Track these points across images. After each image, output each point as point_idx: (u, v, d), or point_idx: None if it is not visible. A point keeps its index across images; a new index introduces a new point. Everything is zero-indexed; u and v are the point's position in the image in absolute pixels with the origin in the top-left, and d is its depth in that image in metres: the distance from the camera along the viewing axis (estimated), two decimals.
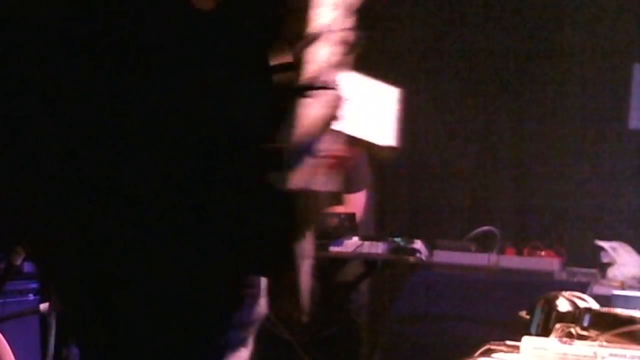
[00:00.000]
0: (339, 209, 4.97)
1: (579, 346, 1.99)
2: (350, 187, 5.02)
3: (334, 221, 4.80)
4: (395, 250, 4.73)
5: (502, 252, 4.69)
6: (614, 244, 4.62)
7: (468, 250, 4.73)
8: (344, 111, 1.33)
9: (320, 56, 1.30)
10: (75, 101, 1.60)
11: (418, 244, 4.74)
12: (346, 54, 1.36)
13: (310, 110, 1.28)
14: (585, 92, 5.75)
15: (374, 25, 5.99)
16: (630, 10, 5.66)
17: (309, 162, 1.27)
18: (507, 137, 5.97)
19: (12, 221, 1.70)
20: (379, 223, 5.66)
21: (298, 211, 1.30)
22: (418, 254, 4.71)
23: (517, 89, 5.94)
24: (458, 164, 6.03)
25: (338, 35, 1.34)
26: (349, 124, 1.36)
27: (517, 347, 2.04)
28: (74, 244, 1.64)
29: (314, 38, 1.29)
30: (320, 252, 4.70)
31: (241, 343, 1.66)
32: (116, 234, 1.61)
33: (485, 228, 4.77)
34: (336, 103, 1.31)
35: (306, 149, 1.27)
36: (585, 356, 1.93)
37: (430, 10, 6.10)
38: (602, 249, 4.61)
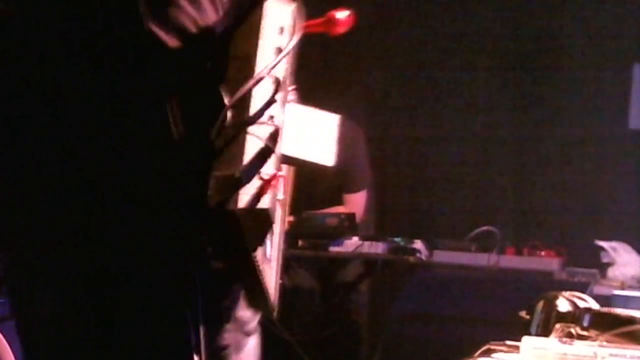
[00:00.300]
0: (339, 209, 4.98)
1: (579, 346, 1.99)
2: (350, 187, 5.02)
3: (334, 221, 4.81)
4: (395, 250, 4.73)
5: (502, 252, 4.69)
6: (614, 244, 4.62)
7: (468, 250, 4.73)
8: (287, 138, 1.58)
9: (262, 95, 1.54)
10: (75, 101, 1.60)
11: (418, 244, 4.74)
12: (287, 91, 1.59)
13: (253, 141, 1.52)
14: (585, 92, 5.75)
15: (374, 25, 6.00)
16: (630, 10, 5.66)
17: (254, 184, 1.50)
18: (507, 137, 5.97)
19: (12, 221, 1.70)
20: (379, 223, 5.66)
21: (247, 226, 1.51)
22: (418, 254, 4.71)
23: (517, 88, 5.94)
24: (458, 164, 6.03)
25: (280, 76, 1.56)
26: (293, 148, 1.63)
27: (517, 347, 2.04)
28: (73, 243, 1.64)
29: (256, 81, 1.52)
30: (320, 252, 4.71)
31: (239, 342, 1.67)
32: (115, 233, 1.61)
33: (485, 228, 4.77)
34: (276, 134, 1.54)
35: (251, 174, 1.51)
36: (585, 356, 1.93)
37: (430, 10, 6.10)
38: (602, 249, 4.61)
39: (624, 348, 1.97)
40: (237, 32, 1.56)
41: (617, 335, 2.07)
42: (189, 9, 1.57)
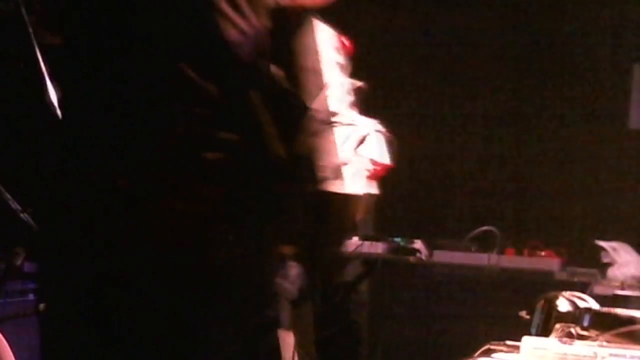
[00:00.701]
0: None
1: (579, 346, 1.99)
2: None
3: None
4: (395, 250, 4.73)
5: (502, 252, 4.69)
6: (614, 244, 4.62)
7: (468, 250, 4.73)
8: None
9: (333, 101, 1.74)
10: (76, 101, 1.60)
11: (418, 244, 4.74)
12: (352, 99, 1.85)
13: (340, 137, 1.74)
14: (585, 92, 5.75)
15: (374, 28, 6.00)
16: (630, 10, 5.66)
17: (351, 174, 1.74)
18: (507, 137, 5.97)
19: (13, 221, 1.70)
20: (379, 223, 5.66)
21: (351, 209, 1.76)
22: (418, 254, 4.71)
23: (517, 88, 5.94)
24: (458, 164, 6.03)
25: (344, 86, 1.81)
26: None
27: (517, 347, 2.04)
28: (75, 244, 1.64)
29: (326, 88, 1.72)
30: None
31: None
32: (118, 235, 1.61)
33: (485, 228, 4.77)
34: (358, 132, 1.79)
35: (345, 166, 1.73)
36: (585, 356, 1.92)
37: (430, 11, 6.10)
38: (602, 249, 4.61)
39: (624, 348, 1.97)
40: (296, 44, 1.73)
41: (617, 335, 2.06)
42: (232, 14, 1.62)
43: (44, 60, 1.63)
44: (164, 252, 1.62)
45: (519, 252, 4.71)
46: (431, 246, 4.80)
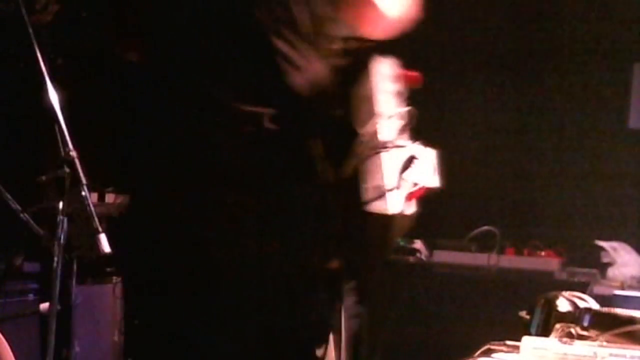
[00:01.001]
0: None
1: (579, 346, 1.99)
2: None
3: None
4: (395, 250, 4.72)
5: (502, 252, 4.69)
6: (614, 244, 4.63)
7: (468, 250, 4.73)
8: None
9: (384, 128, 1.91)
10: (86, 102, 1.60)
11: (418, 244, 4.74)
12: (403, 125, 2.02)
13: (388, 161, 1.89)
14: (585, 92, 5.75)
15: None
16: (630, 10, 5.66)
17: (395, 194, 1.88)
18: (507, 137, 5.97)
19: (13, 221, 1.70)
20: None
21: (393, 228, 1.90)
22: (418, 254, 4.71)
23: (517, 88, 5.94)
24: (458, 164, 6.02)
25: (397, 113, 1.99)
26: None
27: (517, 347, 2.04)
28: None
29: (379, 115, 1.89)
30: None
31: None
32: (135, 236, 1.62)
33: (485, 228, 4.77)
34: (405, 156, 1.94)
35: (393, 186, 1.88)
36: (585, 356, 1.92)
37: (429, 11, 6.09)
38: (602, 249, 4.62)
39: (624, 348, 1.97)
40: (353, 73, 1.91)
41: (617, 335, 2.06)
42: (289, 52, 1.78)
43: (43, 60, 1.64)
44: (168, 251, 1.62)
45: (519, 252, 4.71)
46: (431, 246, 4.80)
